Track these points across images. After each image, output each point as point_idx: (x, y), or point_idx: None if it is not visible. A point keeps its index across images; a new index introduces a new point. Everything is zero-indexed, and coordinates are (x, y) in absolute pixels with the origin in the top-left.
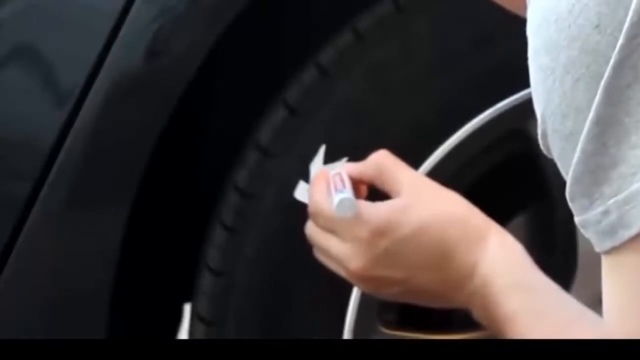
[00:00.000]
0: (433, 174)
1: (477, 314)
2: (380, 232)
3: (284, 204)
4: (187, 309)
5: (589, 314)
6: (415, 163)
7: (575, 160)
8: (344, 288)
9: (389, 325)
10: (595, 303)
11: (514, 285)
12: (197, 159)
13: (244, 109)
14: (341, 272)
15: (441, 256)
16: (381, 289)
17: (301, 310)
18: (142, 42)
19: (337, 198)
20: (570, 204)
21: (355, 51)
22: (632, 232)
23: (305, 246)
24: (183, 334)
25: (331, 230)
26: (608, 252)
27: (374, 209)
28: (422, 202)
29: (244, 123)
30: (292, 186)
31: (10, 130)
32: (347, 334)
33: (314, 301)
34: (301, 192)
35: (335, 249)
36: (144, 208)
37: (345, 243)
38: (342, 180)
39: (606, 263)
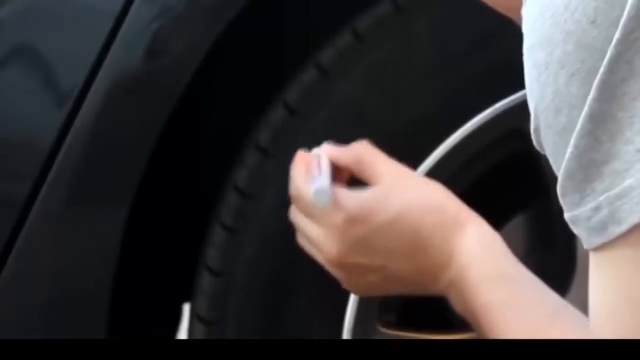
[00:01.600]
0: (433, 174)
1: (454, 304)
2: (354, 219)
3: (284, 204)
4: (186, 309)
5: (571, 310)
6: (415, 163)
7: (567, 155)
8: (344, 288)
9: (389, 325)
10: None
11: (491, 276)
12: (197, 159)
13: (244, 109)
14: (318, 258)
15: (417, 244)
16: (356, 277)
17: (301, 310)
18: (141, 42)
19: (313, 187)
20: (561, 200)
21: (355, 51)
22: (623, 228)
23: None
24: (183, 334)
25: (309, 215)
26: (597, 249)
27: (350, 196)
28: (400, 190)
29: (244, 123)
30: None
31: (10, 130)
32: (346, 334)
33: (313, 301)
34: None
35: (313, 234)
36: (144, 207)
37: (321, 229)
38: (319, 165)
39: (594, 260)
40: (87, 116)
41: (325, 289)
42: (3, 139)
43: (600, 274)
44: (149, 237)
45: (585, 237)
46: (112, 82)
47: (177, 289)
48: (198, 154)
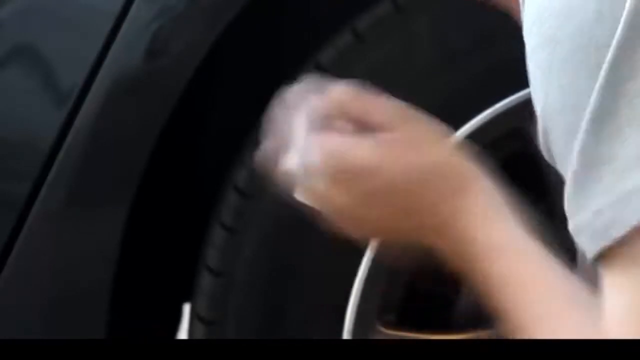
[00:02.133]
0: None
1: (454, 267)
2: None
3: (284, 204)
4: (186, 309)
5: (584, 298)
6: None
7: (573, 156)
8: (344, 288)
9: (389, 325)
10: None
11: (493, 246)
12: (197, 159)
13: (244, 109)
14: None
15: (417, 204)
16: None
17: (301, 310)
18: (142, 42)
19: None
20: (566, 205)
21: (355, 51)
22: (623, 231)
23: (304, 246)
24: (183, 334)
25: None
26: (602, 254)
27: (360, 149)
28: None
29: (244, 123)
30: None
31: (11, 130)
32: (346, 334)
33: (313, 301)
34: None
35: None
36: (144, 208)
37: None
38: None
39: (603, 267)
40: (87, 116)
41: (326, 289)
42: (3, 139)
43: (610, 279)
44: (149, 237)
45: (588, 244)
46: (112, 82)
47: (177, 289)
48: (198, 154)
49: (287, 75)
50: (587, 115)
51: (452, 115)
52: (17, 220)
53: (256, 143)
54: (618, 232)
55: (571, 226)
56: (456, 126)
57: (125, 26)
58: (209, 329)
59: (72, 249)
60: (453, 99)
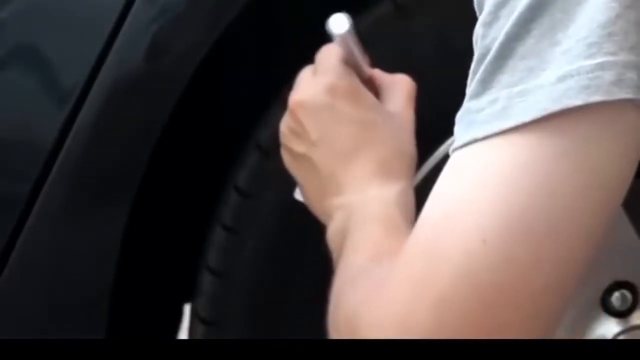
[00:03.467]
0: (433, 174)
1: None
2: (335, 90)
3: (284, 204)
4: (187, 309)
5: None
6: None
7: (494, 41)
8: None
9: None
10: (595, 303)
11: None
12: (197, 159)
13: (244, 109)
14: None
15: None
16: (294, 132)
17: (301, 310)
18: (142, 42)
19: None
20: (467, 90)
21: None
22: (509, 124)
23: (304, 246)
24: (183, 334)
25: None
26: (462, 146)
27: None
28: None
29: (244, 123)
30: (292, 186)
31: (11, 130)
32: None
33: (313, 301)
34: (301, 192)
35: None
36: (144, 208)
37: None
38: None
39: (457, 157)
40: (87, 116)
41: (326, 289)
42: (4, 139)
43: (452, 174)
44: (150, 237)
45: (461, 131)
46: (113, 82)
47: (177, 289)
48: (198, 154)
49: (286, 75)
50: (525, 3)
51: (452, 115)
52: (17, 220)
53: (256, 143)
54: (504, 124)
55: (459, 112)
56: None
57: (126, 26)
58: (209, 329)
59: (72, 249)
60: (453, 99)
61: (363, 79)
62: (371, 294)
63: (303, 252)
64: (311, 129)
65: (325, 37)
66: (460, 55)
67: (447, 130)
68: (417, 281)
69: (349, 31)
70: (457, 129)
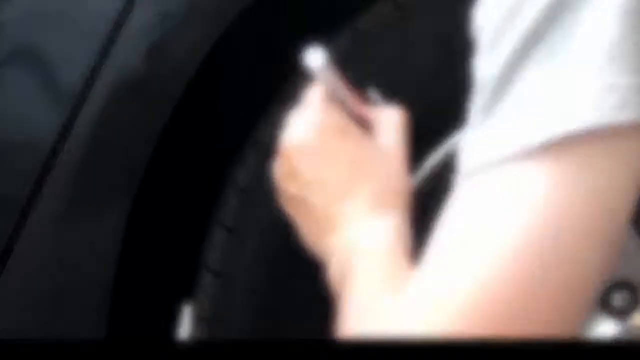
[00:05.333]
0: (433, 174)
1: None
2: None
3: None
4: (187, 309)
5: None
6: (415, 163)
7: (494, 69)
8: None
9: None
10: (595, 303)
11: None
12: (198, 159)
13: (244, 109)
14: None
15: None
16: (287, 175)
17: (301, 310)
18: (142, 44)
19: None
20: (468, 117)
21: (355, 51)
22: (511, 151)
23: (305, 246)
24: (183, 334)
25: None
26: (472, 171)
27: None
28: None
29: (244, 123)
30: None
31: (10, 130)
32: None
33: (313, 301)
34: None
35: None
36: (144, 207)
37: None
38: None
39: (468, 185)
40: (87, 117)
41: (326, 289)
42: (3, 139)
43: (479, 196)
44: (149, 237)
45: (468, 159)
46: (113, 84)
47: (178, 289)
48: (198, 154)
49: (286, 76)
50: (526, 29)
51: (452, 115)
52: (17, 220)
53: (256, 143)
54: (506, 151)
55: (466, 138)
56: (457, 127)
57: (125, 28)
58: (209, 329)
59: (72, 249)
60: (453, 99)
61: (351, 114)
62: (384, 319)
63: (303, 252)
64: (304, 170)
65: (325, 37)
66: (460, 56)
67: (446, 131)
68: (436, 296)
69: (326, 65)
70: (463, 157)
